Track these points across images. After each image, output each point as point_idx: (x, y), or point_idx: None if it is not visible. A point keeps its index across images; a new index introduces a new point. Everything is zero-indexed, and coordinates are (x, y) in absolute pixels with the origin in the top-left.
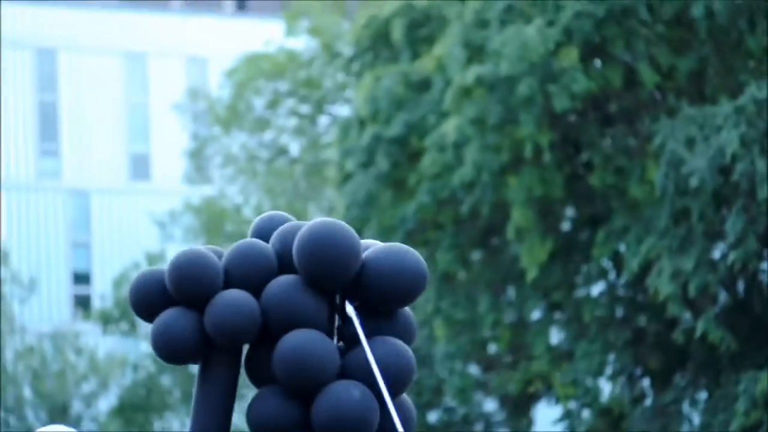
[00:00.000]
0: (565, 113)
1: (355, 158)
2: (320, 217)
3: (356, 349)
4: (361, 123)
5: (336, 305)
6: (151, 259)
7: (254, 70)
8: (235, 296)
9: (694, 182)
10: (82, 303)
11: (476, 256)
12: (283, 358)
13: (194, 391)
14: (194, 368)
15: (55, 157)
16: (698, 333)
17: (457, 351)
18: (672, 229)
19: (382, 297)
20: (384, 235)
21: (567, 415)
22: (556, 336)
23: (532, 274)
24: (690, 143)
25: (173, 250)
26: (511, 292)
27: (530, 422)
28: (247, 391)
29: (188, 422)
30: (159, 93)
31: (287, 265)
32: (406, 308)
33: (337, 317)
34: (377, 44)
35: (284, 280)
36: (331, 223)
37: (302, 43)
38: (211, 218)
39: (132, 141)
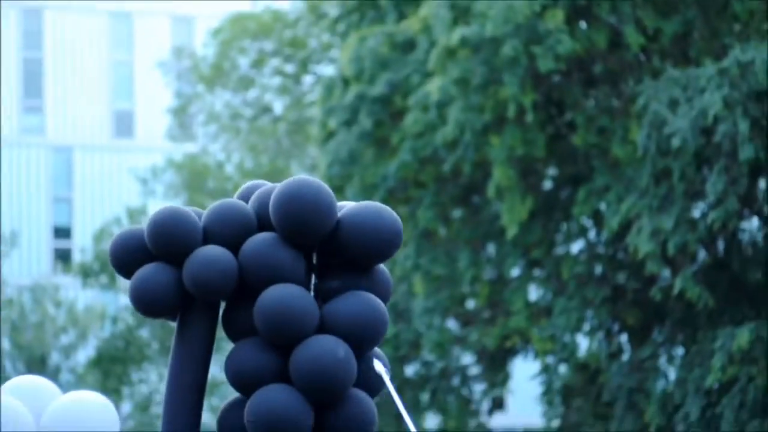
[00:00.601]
0: (549, 74)
1: (338, 116)
2: (302, 174)
3: (332, 302)
4: (345, 82)
5: (313, 263)
6: (132, 214)
7: (239, 29)
8: (213, 251)
9: (675, 142)
10: (63, 257)
11: (457, 213)
12: (264, 311)
13: (172, 344)
14: (173, 322)
15: (39, 113)
16: (676, 290)
17: (435, 306)
18: (653, 189)
19: (359, 253)
20: (365, 193)
21: (544, 370)
22: (534, 292)
23: (512, 231)
24: (673, 104)
25: (155, 206)
26: (490, 249)
27: (507, 377)
28: (225, 344)
29: (166, 374)
30: (144, 51)
31: (266, 225)
32: (382, 265)
33: (313, 274)
34: (363, 5)
35: (261, 237)
36: (305, 180)
37: (288, 4)
38: (193, 175)
39: (116, 98)
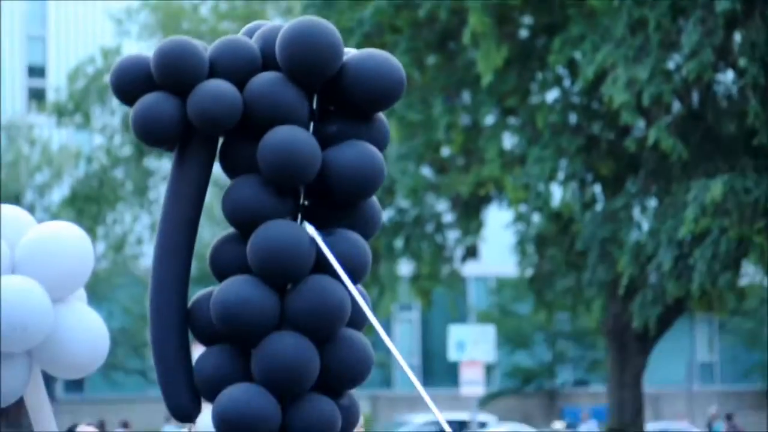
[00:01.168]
0: None
1: None
2: (277, 18)
3: (331, 149)
4: None
5: (313, 107)
6: (107, 54)
7: None
8: (220, 85)
9: None
10: (37, 96)
11: (432, 60)
12: (271, 151)
13: (170, 176)
14: (147, 162)
15: None
16: (650, 141)
17: (410, 152)
18: (628, 38)
19: (362, 99)
20: (341, 37)
21: (518, 219)
22: (509, 141)
23: (487, 79)
24: None
25: (129, 47)
26: (465, 96)
27: (481, 225)
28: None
29: (141, 213)
30: None
31: (269, 64)
32: (381, 114)
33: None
34: None
35: (267, 75)
36: (314, 20)
37: None
38: (168, 16)
39: None
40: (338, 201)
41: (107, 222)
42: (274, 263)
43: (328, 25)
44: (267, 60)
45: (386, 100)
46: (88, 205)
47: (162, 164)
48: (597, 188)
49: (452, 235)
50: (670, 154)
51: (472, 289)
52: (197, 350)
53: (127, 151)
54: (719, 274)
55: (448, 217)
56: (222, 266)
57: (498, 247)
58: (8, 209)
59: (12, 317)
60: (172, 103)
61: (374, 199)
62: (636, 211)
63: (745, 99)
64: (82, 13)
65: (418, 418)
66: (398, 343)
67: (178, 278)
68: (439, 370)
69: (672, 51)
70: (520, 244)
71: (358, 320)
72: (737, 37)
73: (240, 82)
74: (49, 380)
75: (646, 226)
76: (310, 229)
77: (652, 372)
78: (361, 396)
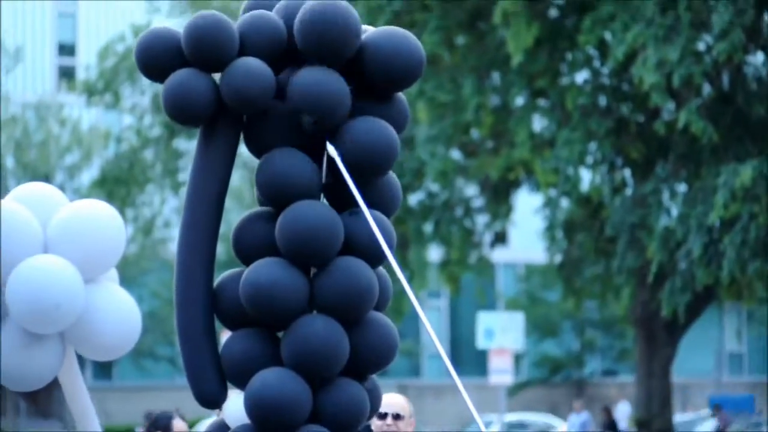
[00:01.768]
0: None
1: None
2: None
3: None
4: None
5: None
6: (137, 30)
7: None
8: (255, 64)
9: None
10: (67, 74)
11: (462, 40)
12: (301, 91)
13: (196, 153)
14: (177, 143)
15: None
16: (680, 124)
17: (439, 134)
18: (659, 18)
19: (380, 78)
20: (370, 16)
21: (547, 204)
22: (538, 123)
23: (517, 59)
24: None
25: (159, 23)
26: (495, 77)
27: (510, 209)
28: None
29: (169, 197)
30: None
31: (292, 39)
32: (400, 93)
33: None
34: None
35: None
36: (328, 2)
37: None
38: None
39: None
40: (352, 176)
41: (136, 204)
42: (304, 245)
43: (346, 6)
44: (290, 34)
45: (405, 81)
46: (117, 187)
47: (191, 145)
48: (626, 172)
49: (481, 220)
50: (700, 138)
51: (501, 275)
52: (224, 337)
53: (156, 131)
54: (749, 260)
55: (478, 202)
56: (246, 246)
57: (527, 233)
58: (39, 187)
59: (44, 297)
60: (204, 80)
61: (393, 176)
62: (665, 196)
63: None
64: None
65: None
66: (426, 331)
67: (204, 259)
68: (467, 359)
69: (702, 31)
70: (549, 230)
71: (380, 303)
72: (767, 17)
73: (269, 59)
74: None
75: (675, 211)
76: (331, 150)
77: (681, 362)
78: (389, 385)
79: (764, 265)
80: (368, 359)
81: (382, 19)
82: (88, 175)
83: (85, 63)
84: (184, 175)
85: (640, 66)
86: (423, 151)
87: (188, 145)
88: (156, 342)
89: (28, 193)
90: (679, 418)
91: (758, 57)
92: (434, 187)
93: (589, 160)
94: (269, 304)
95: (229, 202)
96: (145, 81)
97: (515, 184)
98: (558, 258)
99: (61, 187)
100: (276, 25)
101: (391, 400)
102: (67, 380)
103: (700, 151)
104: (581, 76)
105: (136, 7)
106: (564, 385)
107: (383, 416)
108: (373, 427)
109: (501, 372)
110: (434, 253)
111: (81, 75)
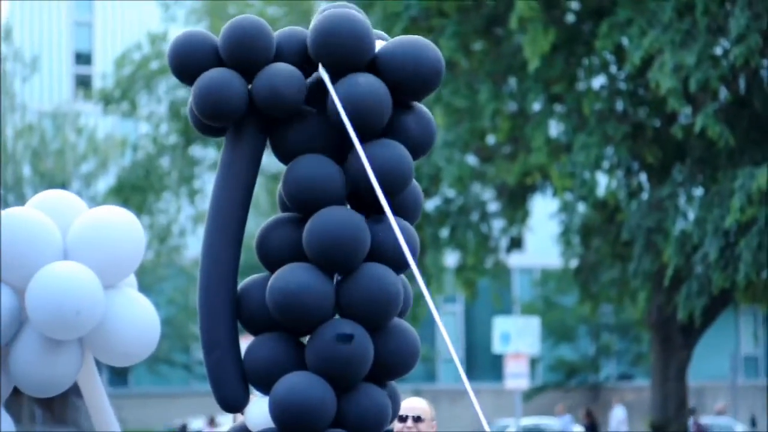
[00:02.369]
0: None
1: None
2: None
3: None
4: None
5: None
6: (153, 39)
7: None
8: (288, 68)
9: None
10: (83, 83)
11: (479, 45)
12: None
13: (222, 159)
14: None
15: None
16: (697, 128)
17: (456, 139)
18: (675, 23)
19: (396, 87)
20: (387, 21)
21: (563, 208)
22: (555, 128)
23: (533, 64)
24: None
25: (175, 32)
26: (512, 82)
27: (526, 214)
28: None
29: (184, 205)
30: None
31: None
32: (424, 108)
33: None
34: None
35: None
36: (340, 12)
37: None
38: (215, 0)
39: None
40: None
41: (153, 211)
42: (332, 250)
43: (354, 15)
44: None
45: (422, 90)
46: (133, 195)
47: (207, 153)
48: (643, 177)
49: (497, 224)
50: (716, 142)
51: (517, 280)
52: (245, 342)
53: (173, 139)
54: (766, 264)
55: (493, 207)
56: (270, 252)
57: (543, 238)
58: (59, 194)
59: (65, 303)
60: (239, 80)
61: (415, 184)
62: (682, 200)
63: None
64: None
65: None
66: (442, 336)
67: (228, 264)
68: (483, 364)
69: (719, 36)
70: (565, 234)
71: (402, 309)
72: None
73: (299, 67)
74: None
75: (692, 215)
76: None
77: (697, 365)
78: (405, 390)
79: None
80: (391, 365)
81: (399, 25)
82: (105, 182)
83: (102, 71)
84: (200, 183)
85: (656, 71)
86: (439, 156)
87: (204, 152)
88: (172, 348)
89: (47, 201)
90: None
91: None
92: (450, 192)
93: (606, 164)
94: (298, 311)
95: None
96: (161, 89)
97: (531, 189)
98: (574, 262)
99: (78, 195)
100: (304, 38)
101: (411, 404)
102: (86, 385)
103: (717, 155)
104: (598, 81)
105: (153, 16)
106: (580, 390)
107: (404, 419)
108: (394, 431)
109: (517, 376)
110: (450, 258)
111: (97, 83)
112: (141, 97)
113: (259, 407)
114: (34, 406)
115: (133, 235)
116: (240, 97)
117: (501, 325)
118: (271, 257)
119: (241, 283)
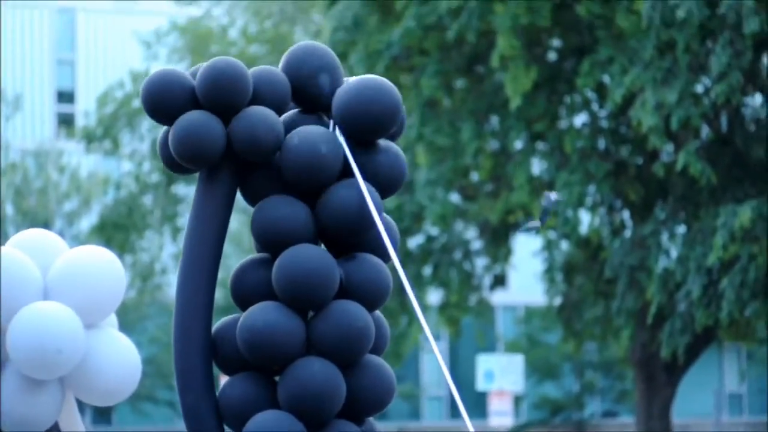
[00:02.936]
0: None
1: None
2: (306, 40)
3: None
4: None
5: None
6: (136, 77)
7: None
8: (265, 111)
9: (680, 14)
10: (66, 121)
11: (461, 83)
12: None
13: (195, 197)
14: (175, 189)
15: None
16: (679, 166)
17: (438, 178)
18: (657, 61)
19: (351, 127)
20: (369, 60)
21: (546, 246)
22: (537, 166)
23: (515, 102)
24: None
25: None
26: (494, 120)
27: (509, 252)
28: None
29: (167, 243)
30: None
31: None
32: (394, 146)
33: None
34: None
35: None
36: (306, 45)
37: None
38: (197, 39)
39: None
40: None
41: (135, 249)
42: (300, 288)
43: (313, 49)
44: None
45: (377, 130)
46: (116, 233)
47: (190, 191)
48: (625, 214)
49: (480, 262)
50: (698, 179)
51: (500, 318)
52: (222, 381)
53: (155, 177)
54: (748, 301)
55: (477, 245)
56: (244, 292)
57: (526, 275)
58: (39, 233)
59: (46, 343)
60: (218, 123)
61: (390, 221)
62: (664, 238)
63: None
64: (111, 37)
65: None
66: (426, 373)
67: (203, 302)
68: (467, 401)
69: (700, 73)
70: (549, 272)
71: (379, 347)
72: (765, 59)
73: (274, 110)
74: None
75: (674, 253)
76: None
77: (681, 403)
78: (389, 428)
79: (764, 305)
80: (364, 401)
81: (381, 64)
82: (87, 221)
83: (84, 109)
84: (183, 221)
85: (638, 108)
86: (422, 194)
87: (187, 190)
88: (155, 386)
89: (27, 240)
90: None
91: (756, 99)
92: (434, 230)
93: (588, 202)
94: (266, 348)
95: (227, 247)
96: (144, 127)
97: (514, 227)
98: (557, 300)
99: (60, 234)
100: (282, 79)
101: None
102: (67, 426)
103: (699, 193)
104: (580, 119)
105: (135, 54)
106: (564, 427)
107: None
108: None
109: (501, 414)
110: (433, 296)
111: (80, 122)
112: (123, 135)
113: None
114: None
115: (114, 275)
116: (219, 141)
117: (485, 362)
118: (244, 298)
119: (215, 325)
